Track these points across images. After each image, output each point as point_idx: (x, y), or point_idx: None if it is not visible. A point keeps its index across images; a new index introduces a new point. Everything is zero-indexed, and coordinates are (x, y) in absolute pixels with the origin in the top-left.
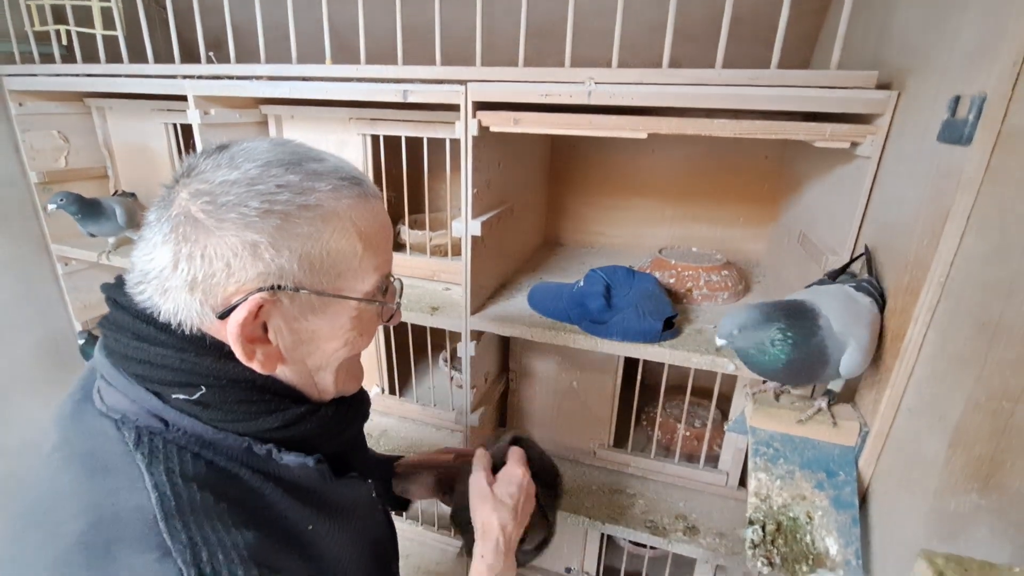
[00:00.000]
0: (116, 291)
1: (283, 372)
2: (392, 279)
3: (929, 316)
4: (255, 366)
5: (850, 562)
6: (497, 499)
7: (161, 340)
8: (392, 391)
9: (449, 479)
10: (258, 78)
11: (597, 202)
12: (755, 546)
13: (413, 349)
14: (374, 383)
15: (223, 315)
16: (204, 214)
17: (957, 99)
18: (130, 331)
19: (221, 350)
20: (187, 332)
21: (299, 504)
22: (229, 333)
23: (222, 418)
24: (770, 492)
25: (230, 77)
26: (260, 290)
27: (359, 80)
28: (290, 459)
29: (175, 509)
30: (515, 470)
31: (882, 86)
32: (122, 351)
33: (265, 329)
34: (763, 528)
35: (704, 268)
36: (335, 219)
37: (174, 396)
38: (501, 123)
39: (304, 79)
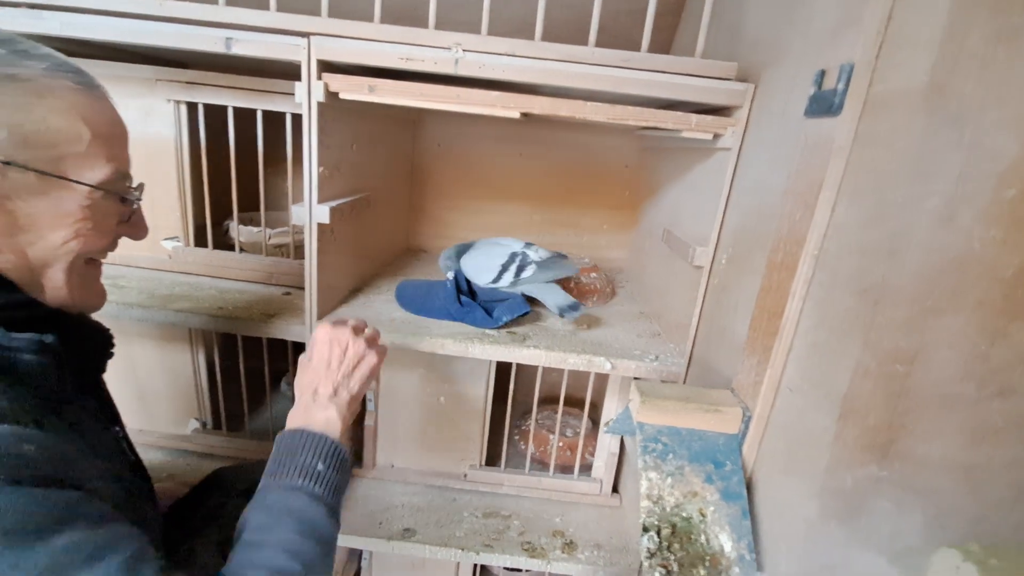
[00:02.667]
0: None
1: (4, 263)
2: (132, 185)
3: (806, 289)
4: None
5: (744, 557)
6: (301, 370)
7: None
8: (217, 426)
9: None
10: (15, 5)
11: (463, 206)
12: (651, 555)
13: (245, 372)
14: (192, 416)
15: None
16: None
17: (823, 73)
18: None
19: None
20: None
21: (28, 395)
22: None
23: None
24: (662, 492)
25: None
26: None
27: (163, 20)
28: (21, 339)
29: None
30: (316, 333)
31: (740, 80)
32: None
33: None
34: (658, 533)
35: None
36: (52, 97)
37: None
38: (352, 89)
39: (85, 11)
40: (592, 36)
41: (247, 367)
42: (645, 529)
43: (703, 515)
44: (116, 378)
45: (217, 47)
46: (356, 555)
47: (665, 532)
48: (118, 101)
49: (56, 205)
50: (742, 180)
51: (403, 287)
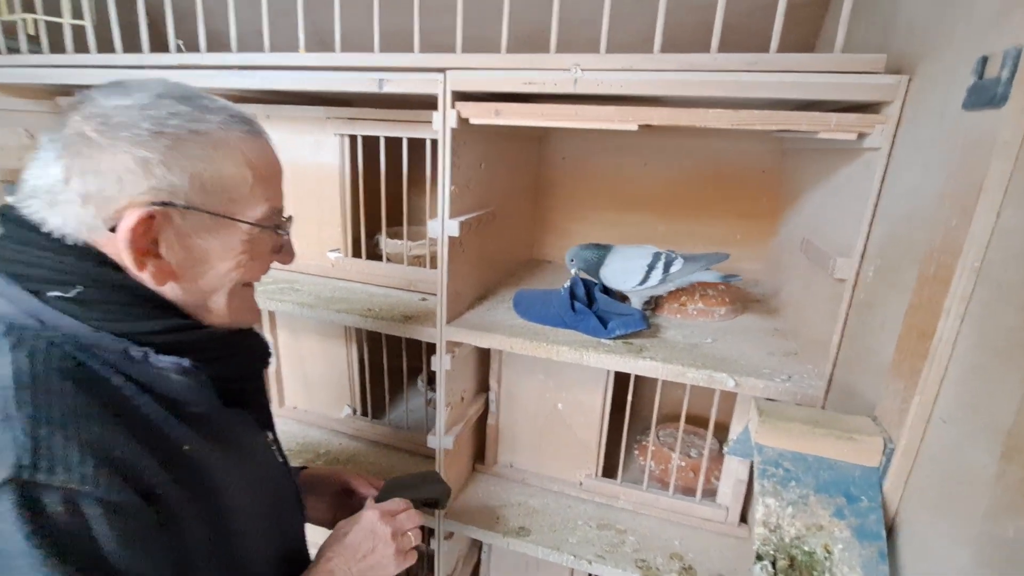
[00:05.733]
0: (5, 209)
1: (174, 291)
2: (284, 217)
3: (963, 307)
4: (146, 278)
5: None
6: (334, 537)
7: (42, 244)
8: (364, 413)
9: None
10: (228, 68)
11: (588, 217)
12: None
13: (387, 368)
14: (345, 403)
15: (115, 227)
16: (97, 133)
17: (985, 60)
18: (13, 238)
19: (104, 259)
20: (70, 244)
21: (176, 420)
22: (120, 241)
23: (101, 317)
24: (780, 521)
25: (199, 67)
26: (152, 204)
27: (334, 69)
28: (166, 361)
29: (29, 382)
30: (364, 516)
31: (890, 72)
32: (3, 255)
33: (157, 244)
34: (773, 564)
35: (699, 281)
36: (225, 147)
37: (50, 294)
38: (481, 115)
39: (277, 68)
40: (714, 41)
41: (388, 364)
42: (759, 557)
43: (828, 551)
44: (289, 366)
45: (372, 87)
46: (477, 546)
47: (782, 563)
48: (299, 139)
49: (224, 241)
50: (893, 183)
51: (520, 295)
